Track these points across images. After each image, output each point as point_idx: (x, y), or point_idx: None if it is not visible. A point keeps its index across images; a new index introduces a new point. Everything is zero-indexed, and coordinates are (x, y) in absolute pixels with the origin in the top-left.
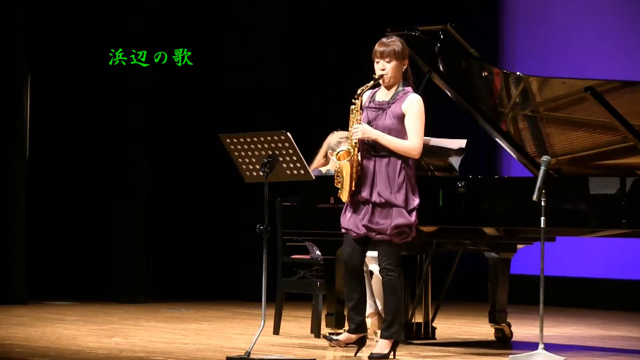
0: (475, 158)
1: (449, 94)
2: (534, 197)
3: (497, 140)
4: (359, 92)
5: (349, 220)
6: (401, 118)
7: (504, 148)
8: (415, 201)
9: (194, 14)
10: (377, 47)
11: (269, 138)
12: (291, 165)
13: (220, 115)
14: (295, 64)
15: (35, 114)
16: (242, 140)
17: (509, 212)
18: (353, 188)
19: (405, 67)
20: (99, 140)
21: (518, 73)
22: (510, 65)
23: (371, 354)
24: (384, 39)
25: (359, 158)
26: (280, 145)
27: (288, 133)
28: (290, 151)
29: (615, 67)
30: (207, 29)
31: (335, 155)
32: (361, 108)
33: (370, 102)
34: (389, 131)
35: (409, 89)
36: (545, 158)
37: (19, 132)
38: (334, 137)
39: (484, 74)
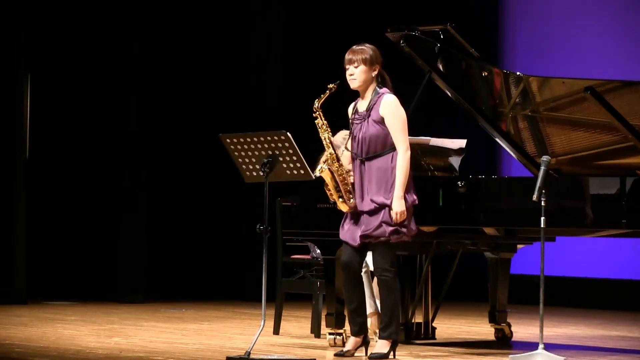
0: (475, 158)
1: (449, 94)
2: (534, 197)
3: (497, 140)
4: (316, 105)
5: (346, 232)
6: (382, 122)
7: (504, 148)
8: (409, 199)
9: (194, 14)
10: (346, 55)
11: (269, 138)
12: (291, 165)
13: (220, 115)
14: (294, 64)
15: (35, 114)
16: (242, 140)
17: (509, 212)
18: (345, 196)
19: (375, 72)
20: (98, 140)
21: (518, 73)
22: (510, 65)
23: (371, 354)
24: (354, 47)
25: (342, 166)
26: (280, 145)
27: (288, 133)
28: (290, 151)
29: (615, 67)
30: (207, 28)
31: (318, 171)
32: (350, 123)
33: (354, 115)
34: (375, 139)
35: (384, 90)
36: (545, 158)
37: (19, 132)
38: (338, 136)
39: (484, 74)
